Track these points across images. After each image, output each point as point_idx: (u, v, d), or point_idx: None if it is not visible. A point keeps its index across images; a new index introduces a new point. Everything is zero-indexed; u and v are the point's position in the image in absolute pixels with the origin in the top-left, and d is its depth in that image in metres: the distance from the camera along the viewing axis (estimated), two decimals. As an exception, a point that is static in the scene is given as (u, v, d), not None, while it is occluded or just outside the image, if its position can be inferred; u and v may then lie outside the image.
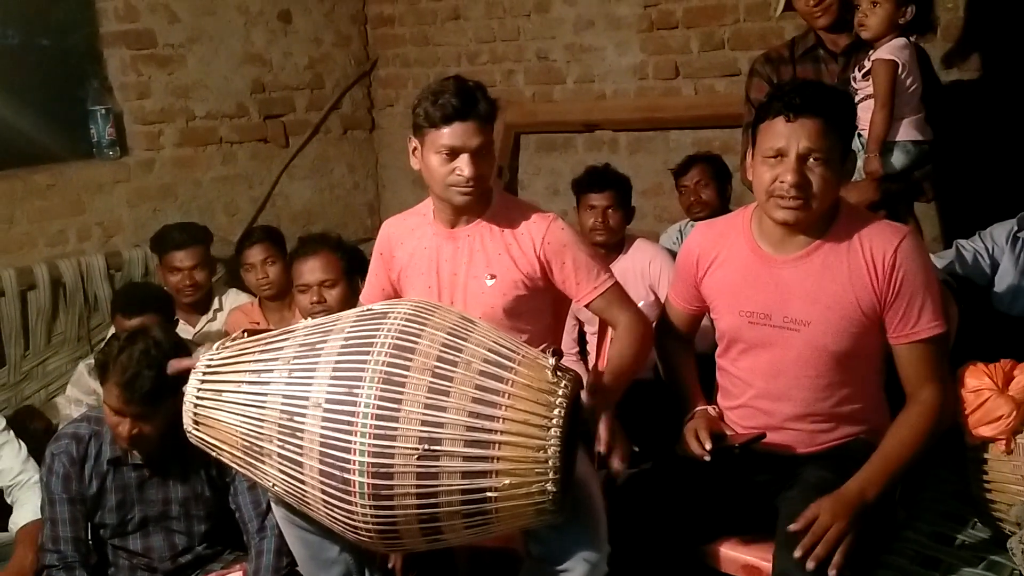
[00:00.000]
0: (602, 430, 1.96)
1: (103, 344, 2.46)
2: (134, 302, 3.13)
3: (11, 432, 2.89)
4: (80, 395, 3.22)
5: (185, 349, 2.35)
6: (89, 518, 2.38)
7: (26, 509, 2.71)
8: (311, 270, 3.03)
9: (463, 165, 2.16)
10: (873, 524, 2.01)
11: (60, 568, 2.30)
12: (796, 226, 2.06)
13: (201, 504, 2.42)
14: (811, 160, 1.99)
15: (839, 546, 1.89)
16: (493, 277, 2.26)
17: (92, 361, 3.23)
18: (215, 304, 3.62)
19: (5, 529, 2.88)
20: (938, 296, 2.06)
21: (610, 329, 2.34)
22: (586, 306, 2.28)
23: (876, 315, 2.06)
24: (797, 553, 1.89)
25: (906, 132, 2.68)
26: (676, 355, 2.38)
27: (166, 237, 3.57)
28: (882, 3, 2.62)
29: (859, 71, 2.72)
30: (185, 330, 3.46)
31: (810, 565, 1.87)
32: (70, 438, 2.38)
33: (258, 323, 3.40)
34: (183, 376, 2.01)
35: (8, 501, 2.83)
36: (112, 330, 3.32)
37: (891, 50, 2.64)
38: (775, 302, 2.11)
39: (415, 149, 2.25)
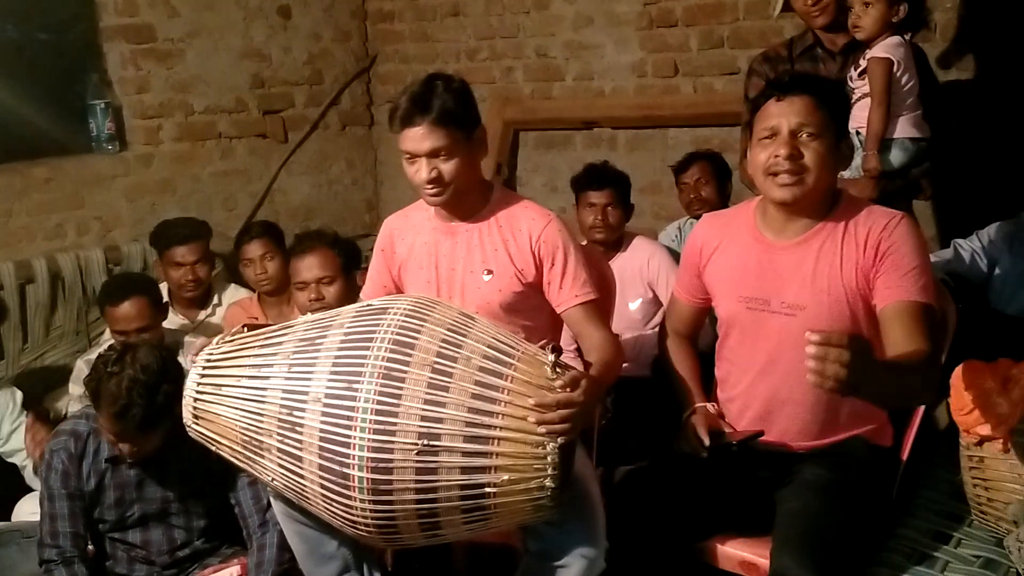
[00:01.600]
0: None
1: (92, 359, 2.45)
2: (118, 289, 3.11)
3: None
4: (82, 391, 3.20)
5: (175, 361, 2.36)
6: (88, 513, 2.38)
7: None
8: (308, 267, 3.02)
9: (420, 168, 2.17)
10: (869, 522, 2.01)
11: (59, 563, 2.30)
12: (795, 206, 2.07)
13: (200, 500, 2.43)
14: (804, 136, 2.03)
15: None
16: (490, 272, 2.26)
17: (91, 358, 3.23)
18: (213, 299, 3.62)
19: (7, 518, 2.89)
20: (929, 276, 2.05)
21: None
22: (562, 312, 2.26)
23: (868, 296, 2.06)
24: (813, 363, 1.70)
25: (904, 129, 2.69)
26: (677, 351, 2.39)
27: (167, 232, 3.56)
28: (874, 3, 2.63)
29: (855, 70, 2.73)
30: (183, 324, 3.47)
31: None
32: (69, 434, 2.38)
33: (256, 318, 3.40)
34: (177, 397, 2.02)
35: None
36: (108, 332, 3.33)
37: (886, 48, 2.65)
38: (773, 287, 2.13)
39: None
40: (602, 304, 2.31)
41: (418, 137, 2.15)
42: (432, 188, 2.18)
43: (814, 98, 2.04)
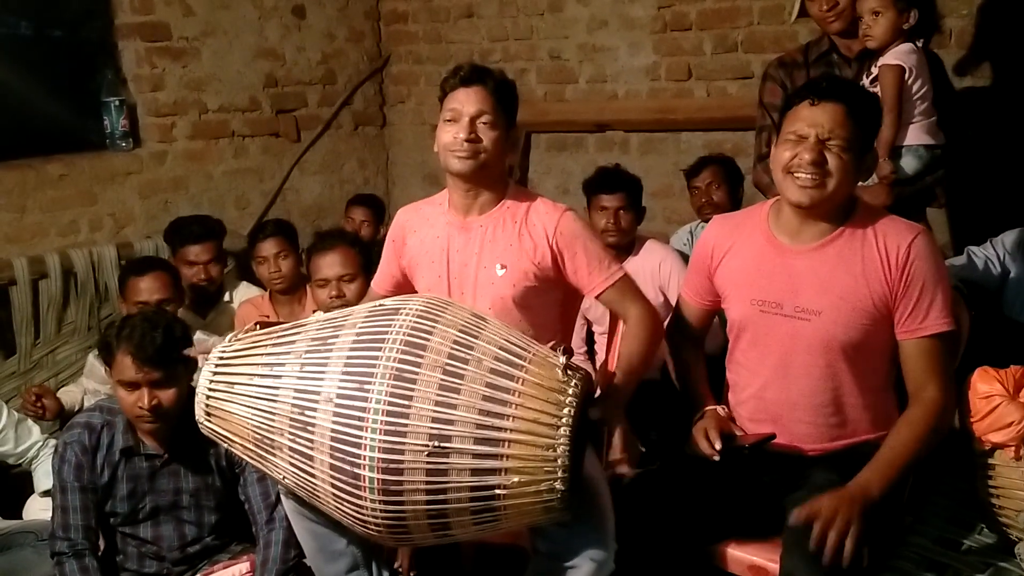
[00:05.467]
0: (616, 439, 1.98)
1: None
2: (142, 262, 3.26)
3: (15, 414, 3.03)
4: (97, 385, 3.21)
5: (183, 322, 2.44)
6: (100, 507, 2.39)
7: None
8: (330, 265, 3.04)
9: (460, 129, 2.21)
10: (879, 527, 2.01)
11: (70, 555, 2.31)
12: (811, 209, 2.08)
13: (211, 495, 2.43)
14: (831, 144, 2.03)
15: (848, 536, 1.88)
16: (504, 267, 2.27)
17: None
18: (225, 296, 3.64)
19: (17, 516, 2.90)
20: (948, 294, 2.08)
21: (620, 325, 2.34)
22: (597, 297, 2.29)
23: (887, 309, 2.07)
24: (812, 546, 1.87)
25: (917, 136, 2.68)
26: (686, 354, 2.39)
27: (181, 230, 3.59)
28: (883, 12, 2.63)
29: (867, 77, 2.73)
30: (195, 321, 3.48)
31: (827, 558, 1.86)
32: (83, 427, 2.39)
33: (268, 316, 3.41)
34: (190, 338, 2.11)
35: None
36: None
37: (897, 55, 2.64)
38: (787, 291, 2.13)
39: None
40: (632, 279, 2.32)
41: (470, 98, 2.21)
42: (465, 149, 2.21)
43: (847, 108, 2.04)
